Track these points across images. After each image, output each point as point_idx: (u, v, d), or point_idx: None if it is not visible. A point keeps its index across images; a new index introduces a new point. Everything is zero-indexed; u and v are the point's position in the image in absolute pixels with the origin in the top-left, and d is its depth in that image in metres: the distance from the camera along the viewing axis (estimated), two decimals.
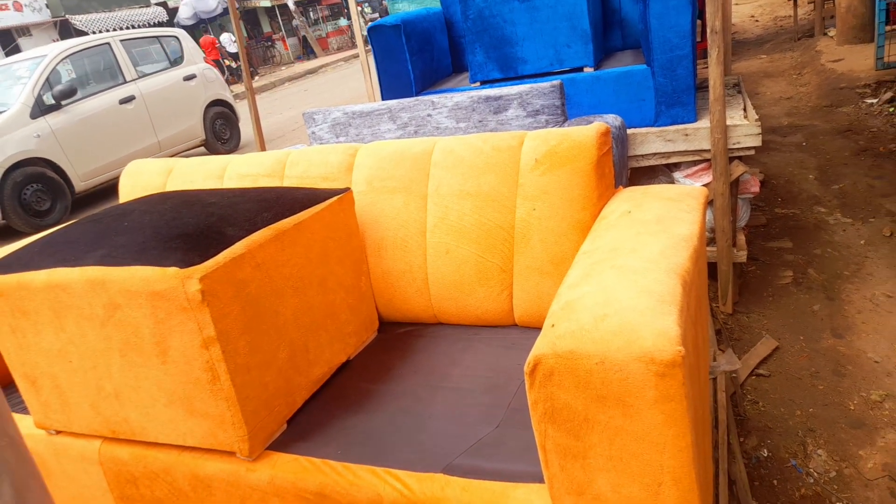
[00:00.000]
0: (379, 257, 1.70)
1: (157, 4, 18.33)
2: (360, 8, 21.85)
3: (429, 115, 2.56)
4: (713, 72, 2.23)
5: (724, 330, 2.43)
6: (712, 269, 2.52)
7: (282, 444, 1.27)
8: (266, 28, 23.55)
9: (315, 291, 1.44)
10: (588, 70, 2.91)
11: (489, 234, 1.61)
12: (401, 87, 3.18)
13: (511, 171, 1.59)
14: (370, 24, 3.15)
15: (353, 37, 22.89)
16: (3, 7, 15.09)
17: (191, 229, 1.24)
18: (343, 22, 23.49)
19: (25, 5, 15.67)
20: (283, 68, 20.08)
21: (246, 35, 20.48)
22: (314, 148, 1.83)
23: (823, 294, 2.61)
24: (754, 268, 2.88)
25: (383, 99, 3.25)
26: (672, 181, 2.57)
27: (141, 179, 1.96)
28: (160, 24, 18.43)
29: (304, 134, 8.22)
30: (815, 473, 1.77)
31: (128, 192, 1.98)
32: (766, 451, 1.87)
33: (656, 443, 0.92)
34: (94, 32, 16.73)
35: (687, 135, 2.41)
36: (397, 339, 1.69)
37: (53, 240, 1.31)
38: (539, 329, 1.64)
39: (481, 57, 3.03)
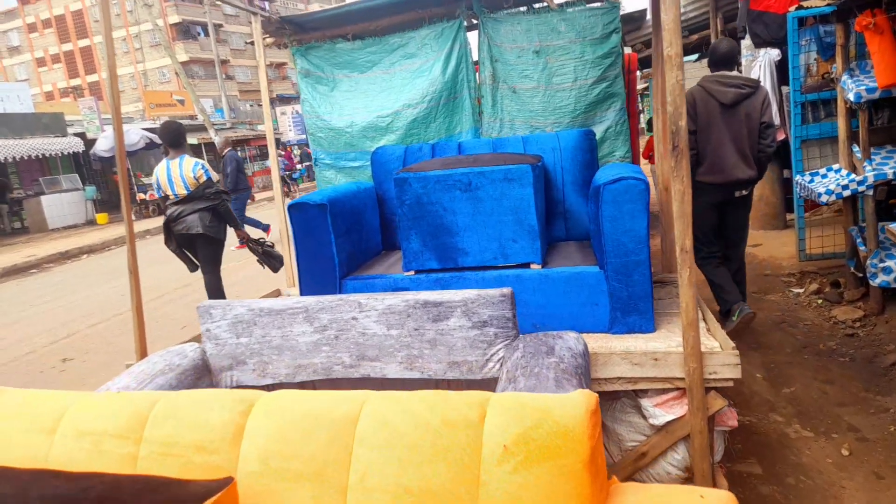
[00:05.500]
0: None
1: (74, 135, 17.79)
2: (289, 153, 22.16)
3: (354, 319, 2.13)
4: (685, 294, 1.95)
5: None
6: None
7: None
8: None
9: None
10: (535, 267, 2.62)
11: None
12: (323, 270, 2.76)
13: (470, 460, 1.13)
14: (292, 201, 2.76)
15: None
16: None
17: None
18: (268, 164, 23.64)
19: None
20: None
21: None
22: (189, 398, 1.31)
23: None
24: None
25: (301, 283, 2.80)
26: (639, 408, 2.19)
27: None
28: (75, 154, 17.75)
29: (192, 291, 7.19)
30: None
31: None
32: None
33: None
34: (4, 160, 15.80)
35: (656, 359, 2.07)
36: None
37: None
38: None
39: (417, 245, 2.68)
